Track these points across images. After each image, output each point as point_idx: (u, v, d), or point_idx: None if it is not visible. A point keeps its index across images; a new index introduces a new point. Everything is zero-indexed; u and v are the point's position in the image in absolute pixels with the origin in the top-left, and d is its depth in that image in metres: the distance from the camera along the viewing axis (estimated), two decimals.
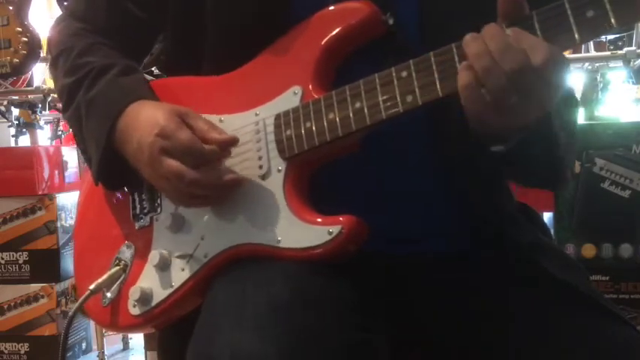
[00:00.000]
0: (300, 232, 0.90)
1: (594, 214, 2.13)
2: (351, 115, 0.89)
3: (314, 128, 0.92)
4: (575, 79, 2.75)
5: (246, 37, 1.00)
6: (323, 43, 0.95)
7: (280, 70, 0.97)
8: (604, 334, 0.90)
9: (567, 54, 2.69)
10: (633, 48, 2.47)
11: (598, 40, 2.77)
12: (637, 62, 2.43)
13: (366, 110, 0.88)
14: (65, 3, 2.84)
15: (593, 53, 2.62)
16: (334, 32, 0.94)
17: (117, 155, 1.01)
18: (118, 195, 1.11)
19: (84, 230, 1.19)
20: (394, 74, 0.87)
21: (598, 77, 2.65)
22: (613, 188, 2.10)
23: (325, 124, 0.91)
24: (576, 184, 2.12)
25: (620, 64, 2.53)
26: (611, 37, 2.80)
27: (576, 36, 0.77)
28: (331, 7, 0.95)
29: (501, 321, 0.94)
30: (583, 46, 2.74)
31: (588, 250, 2.12)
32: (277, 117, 0.95)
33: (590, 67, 2.65)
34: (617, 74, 2.73)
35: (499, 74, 0.78)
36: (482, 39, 0.79)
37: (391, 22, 0.94)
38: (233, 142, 0.95)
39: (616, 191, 2.10)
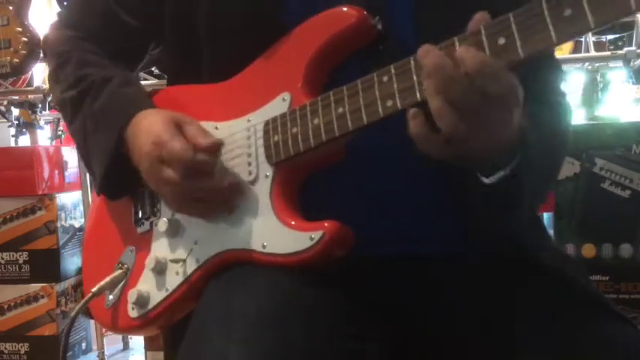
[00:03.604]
0: (284, 237, 0.91)
1: (594, 214, 2.13)
2: (334, 120, 0.89)
3: (299, 134, 0.92)
4: (575, 79, 2.75)
5: (242, 42, 1.01)
6: (312, 49, 0.95)
7: (271, 76, 0.98)
8: (606, 334, 0.90)
9: (567, 54, 2.70)
10: (633, 48, 2.46)
11: (598, 40, 2.77)
12: (637, 62, 2.42)
13: (348, 115, 0.88)
14: (65, 3, 2.84)
15: (593, 53, 2.61)
16: (324, 38, 0.95)
17: (123, 166, 1.03)
18: (123, 200, 1.12)
19: (94, 233, 1.21)
20: (375, 79, 0.86)
21: (598, 77, 2.64)
22: (613, 188, 2.10)
23: (310, 129, 0.92)
24: (576, 183, 2.12)
25: (620, 64, 2.52)
26: (611, 37, 2.80)
27: (553, 36, 0.74)
28: (321, 14, 0.95)
29: (501, 324, 0.94)
30: (583, 45, 2.74)
31: (588, 250, 2.12)
32: (266, 123, 0.96)
33: (590, 67, 2.64)
34: (617, 74, 2.72)
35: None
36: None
37: (379, 26, 0.94)
38: (217, 145, 0.96)
39: (616, 191, 2.10)
